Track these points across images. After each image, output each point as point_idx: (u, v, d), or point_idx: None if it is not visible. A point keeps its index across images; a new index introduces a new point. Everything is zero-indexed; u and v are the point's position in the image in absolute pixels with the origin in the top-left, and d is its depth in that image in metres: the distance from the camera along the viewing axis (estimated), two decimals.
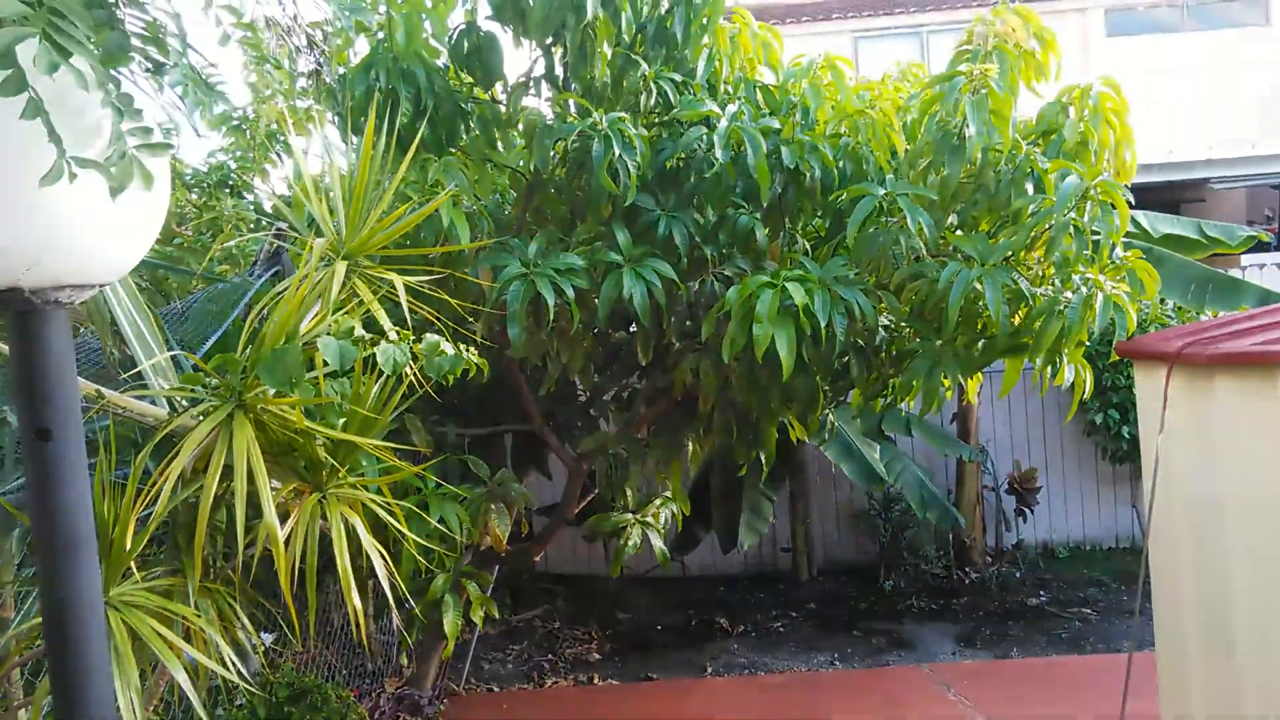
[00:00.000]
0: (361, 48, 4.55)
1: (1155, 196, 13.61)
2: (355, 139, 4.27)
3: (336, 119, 4.57)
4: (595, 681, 7.38)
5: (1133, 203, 8.58)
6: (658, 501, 5.39)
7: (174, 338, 4.57)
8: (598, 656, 8.00)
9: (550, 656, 8.05)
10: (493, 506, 4.73)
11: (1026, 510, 8.84)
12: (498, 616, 5.07)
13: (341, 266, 2.93)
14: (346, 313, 2.88)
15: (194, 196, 8.03)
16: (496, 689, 7.34)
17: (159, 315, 3.74)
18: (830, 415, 5.98)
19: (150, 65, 1.82)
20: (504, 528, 4.74)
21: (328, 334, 2.65)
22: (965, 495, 8.92)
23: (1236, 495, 2.88)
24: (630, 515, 5.23)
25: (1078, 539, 9.55)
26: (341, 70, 4.41)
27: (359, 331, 2.68)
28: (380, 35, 4.38)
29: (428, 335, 2.76)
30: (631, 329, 5.17)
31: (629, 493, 5.17)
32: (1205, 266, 7.62)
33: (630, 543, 5.15)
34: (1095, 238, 3.99)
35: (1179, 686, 3.31)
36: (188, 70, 1.84)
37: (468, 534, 4.62)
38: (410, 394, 4.91)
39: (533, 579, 9.80)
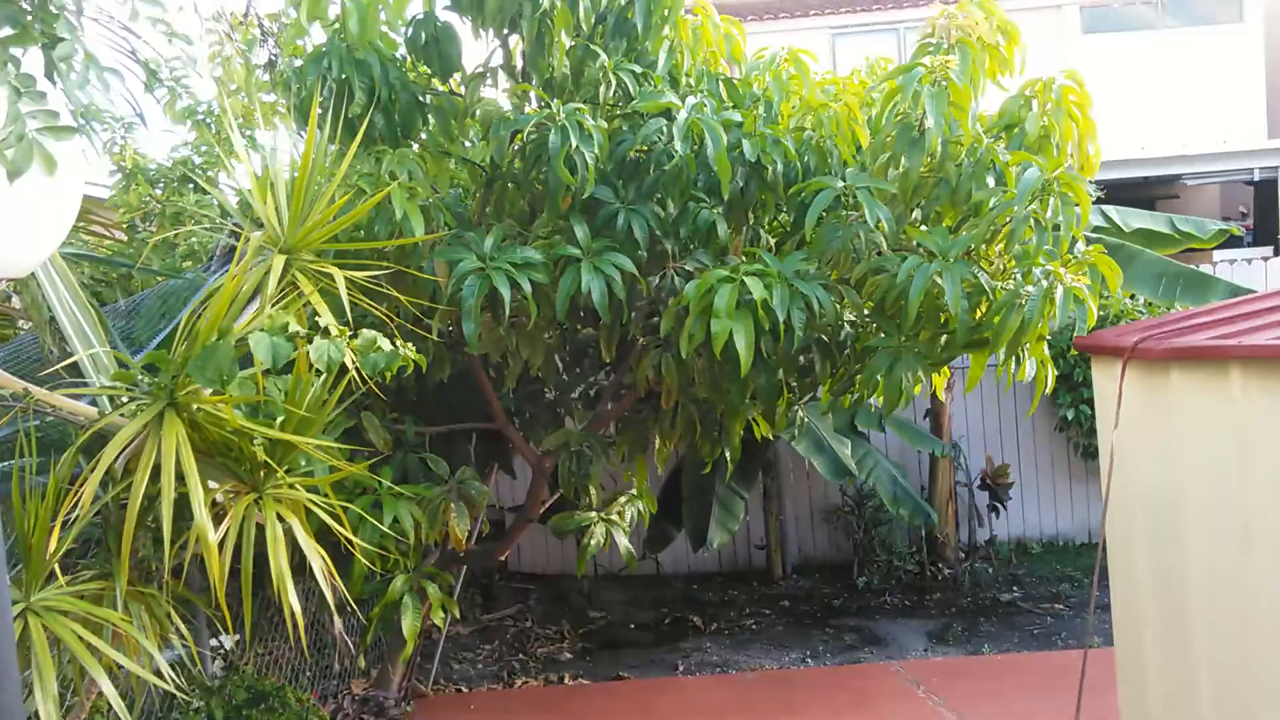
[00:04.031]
0: (320, 39, 4.46)
1: (1129, 193, 13.66)
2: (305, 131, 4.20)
3: (294, 111, 4.48)
4: (566, 681, 7.31)
5: (1100, 197, 8.59)
6: (623, 500, 5.32)
7: (122, 335, 4.47)
8: (569, 655, 7.94)
9: (521, 656, 7.98)
10: (453, 506, 4.66)
11: (999, 506, 8.83)
12: (459, 616, 5.00)
13: (279, 261, 2.85)
14: (284, 309, 2.80)
15: (158, 191, 7.91)
16: (465, 689, 7.26)
17: (101, 312, 3.65)
18: (799, 410, 5.94)
19: (46, 41, 1.74)
20: (464, 527, 4.66)
21: (261, 330, 2.57)
22: (938, 491, 8.89)
23: (1190, 490, 2.84)
24: (594, 514, 5.16)
25: (1051, 534, 9.55)
26: (298, 61, 4.31)
27: (294, 327, 2.60)
28: (338, 26, 4.29)
29: (364, 331, 2.69)
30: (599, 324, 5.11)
31: (593, 491, 5.10)
32: (1176, 262, 7.61)
33: (594, 541, 5.08)
34: (1056, 231, 3.94)
35: (1137, 680, 3.27)
36: (76, 48, 1.75)
37: (425, 534, 4.54)
38: (365, 391, 4.85)
39: (505, 578, 9.72)
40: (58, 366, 2.86)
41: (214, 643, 5.81)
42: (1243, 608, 2.66)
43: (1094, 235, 7.87)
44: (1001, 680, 6.66)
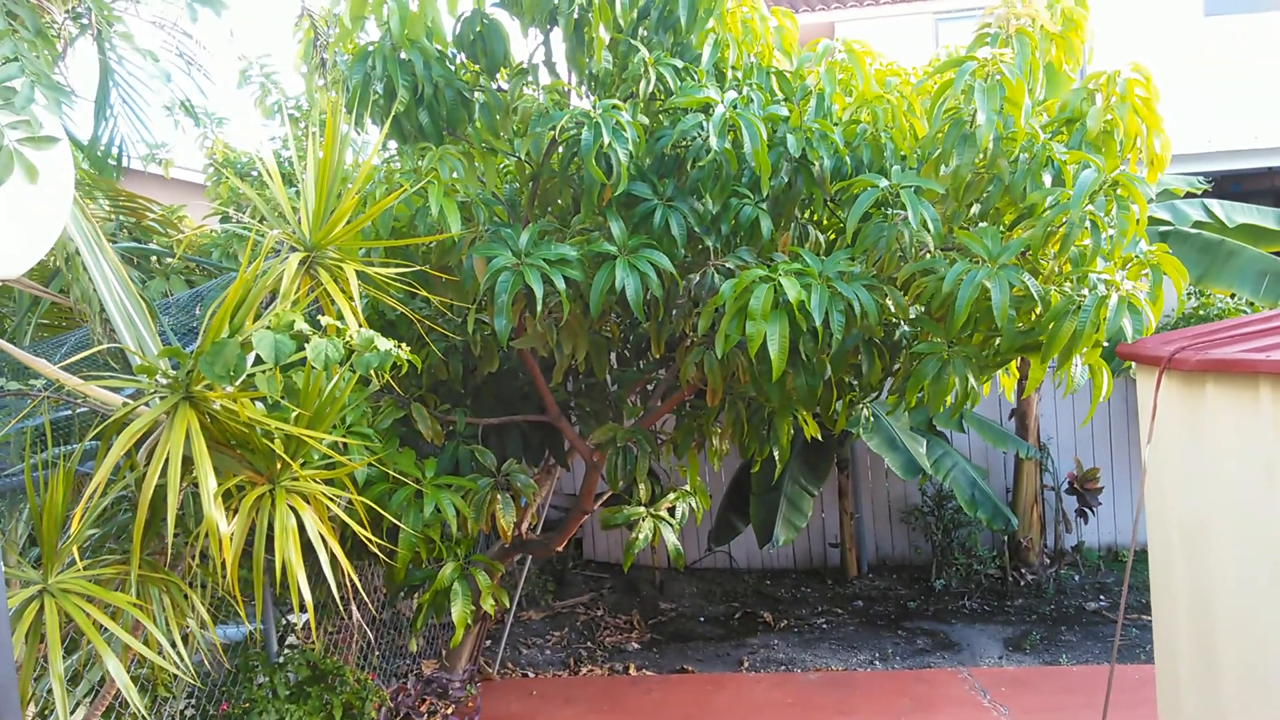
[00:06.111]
0: (375, 36, 4.54)
1: (1255, 183, 12.90)
2: (354, 129, 4.29)
3: (344, 109, 4.58)
4: (630, 671, 7.36)
5: (1206, 190, 8.10)
6: (673, 495, 5.29)
7: (185, 327, 4.66)
8: (636, 646, 7.98)
9: (589, 644, 8.06)
10: (498, 497, 4.71)
11: (1088, 511, 8.47)
12: (508, 605, 5.06)
13: (295, 258, 2.92)
14: (295, 307, 2.86)
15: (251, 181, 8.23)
16: (531, 674, 7.38)
17: (152, 305, 3.80)
18: (865, 409, 5.81)
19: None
20: (509, 519, 4.71)
21: (267, 327, 2.65)
22: (1022, 494, 8.60)
23: (1222, 511, 2.66)
24: (642, 508, 5.15)
25: (1143, 541, 9.12)
26: (347, 58, 4.40)
27: (299, 325, 2.67)
28: (388, 24, 4.36)
29: (361, 330, 2.73)
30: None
31: (640, 486, 5.09)
32: None
33: (641, 537, 5.07)
34: (1112, 234, 3.75)
35: (1173, 704, 3.10)
36: (29, 61, 1.83)
37: (472, 525, 4.61)
38: (418, 383, 4.94)
39: (580, 565, 9.83)
40: (84, 352, 3.00)
41: (285, 622, 6.04)
42: (1269, 638, 2.48)
43: (1193, 231, 7.48)
44: (1074, 693, 6.42)
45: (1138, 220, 3.75)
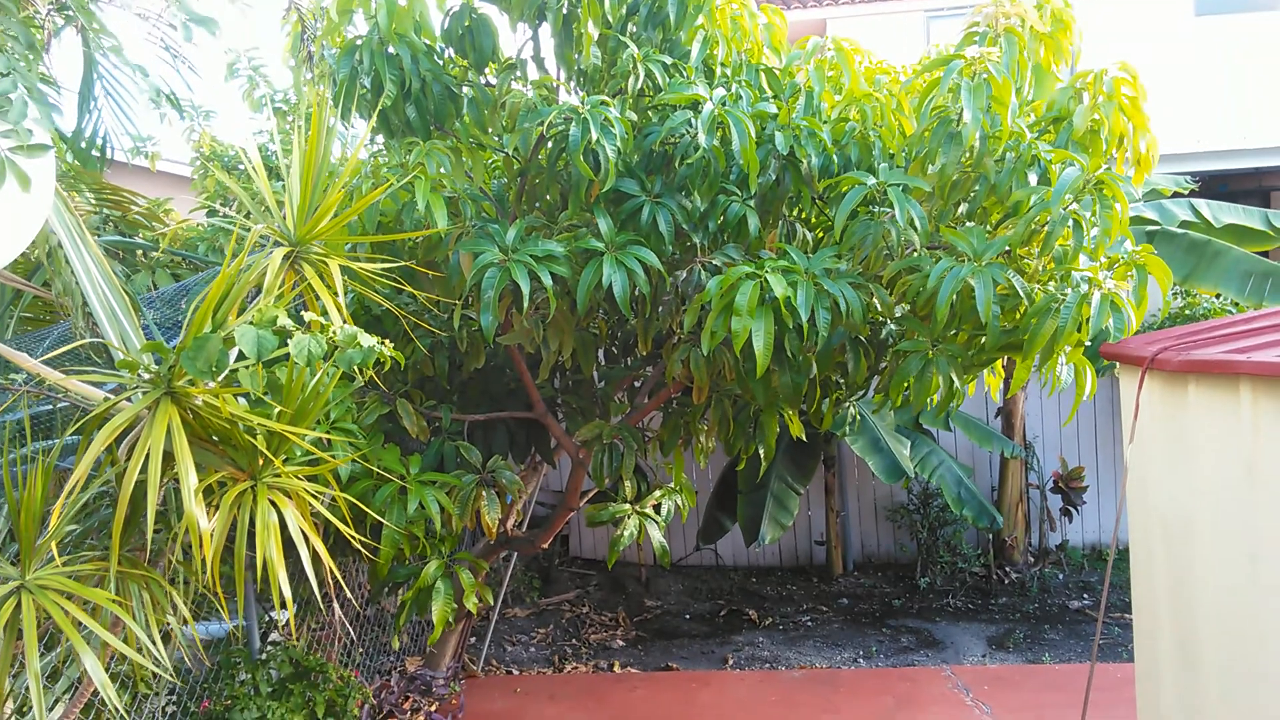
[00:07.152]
0: (364, 30, 4.52)
1: (1241, 184, 12.95)
2: (341, 124, 4.27)
3: (332, 103, 4.56)
4: (615, 669, 7.36)
5: (1194, 190, 8.13)
6: (659, 492, 5.29)
7: (170, 321, 4.64)
8: (622, 643, 7.98)
9: (574, 641, 8.06)
10: (483, 494, 4.70)
11: (1072, 509, 8.51)
12: (492, 603, 5.04)
13: (279, 254, 2.90)
14: (279, 302, 2.85)
15: (237, 175, 8.18)
16: (515, 671, 7.37)
17: (136, 299, 3.78)
18: (851, 407, 5.82)
19: None
20: (494, 515, 4.70)
21: (249, 323, 2.63)
22: (1007, 493, 8.63)
23: (1203, 510, 2.67)
24: (628, 506, 5.14)
25: (1126, 540, 9.17)
26: (334, 51, 4.38)
27: (282, 321, 2.65)
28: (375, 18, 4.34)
29: (344, 326, 2.72)
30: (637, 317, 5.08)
31: (626, 484, 5.08)
32: (1267, 260, 7.19)
33: (626, 534, 5.06)
34: (1094, 232, 3.76)
35: (1154, 701, 3.12)
36: (23, 75, 1.81)
37: (456, 522, 4.59)
38: (403, 379, 4.92)
39: (566, 563, 9.82)
40: (66, 346, 2.97)
41: (268, 618, 6.01)
42: (1249, 637, 2.50)
43: (1179, 230, 7.51)
44: (1056, 691, 6.44)
45: (1121, 219, 3.76)
